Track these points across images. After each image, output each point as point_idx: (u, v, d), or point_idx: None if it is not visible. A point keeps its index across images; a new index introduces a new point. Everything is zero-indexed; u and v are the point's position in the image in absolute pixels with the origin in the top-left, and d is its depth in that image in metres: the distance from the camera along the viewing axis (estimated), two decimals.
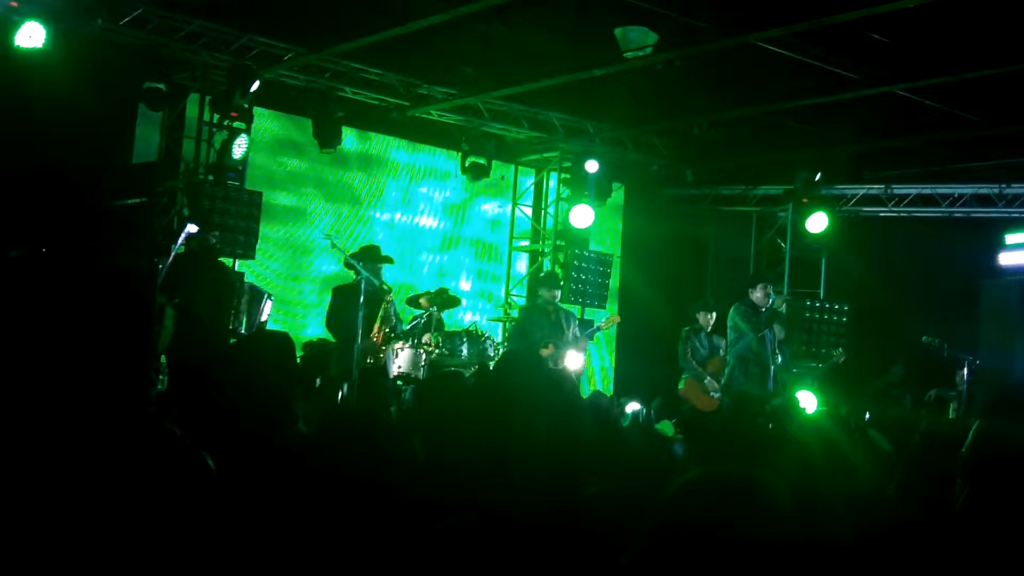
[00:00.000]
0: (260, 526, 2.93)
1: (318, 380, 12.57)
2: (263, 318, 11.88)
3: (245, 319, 11.47)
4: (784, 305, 12.94)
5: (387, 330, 11.73)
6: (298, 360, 12.34)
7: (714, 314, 13.22)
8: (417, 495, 3.10)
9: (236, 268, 13.22)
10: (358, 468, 3.16)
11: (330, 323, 11.83)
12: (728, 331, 12.63)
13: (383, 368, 11.69)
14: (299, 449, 3.34)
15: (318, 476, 3.12)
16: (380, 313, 11.65)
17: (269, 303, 11.98)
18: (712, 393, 12.98)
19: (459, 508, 2.84)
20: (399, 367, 11.99)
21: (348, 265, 11.61)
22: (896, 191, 16.72)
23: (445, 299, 13.67)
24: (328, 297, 12.29)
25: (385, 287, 11.86)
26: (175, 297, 10.78)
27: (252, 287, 11.82)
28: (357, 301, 11.08)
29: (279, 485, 3.07)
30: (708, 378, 13.05)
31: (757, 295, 12.35)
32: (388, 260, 12.12)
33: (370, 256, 11.82)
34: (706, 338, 13.22)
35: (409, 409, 11.27)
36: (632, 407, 13.08)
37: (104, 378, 7.98)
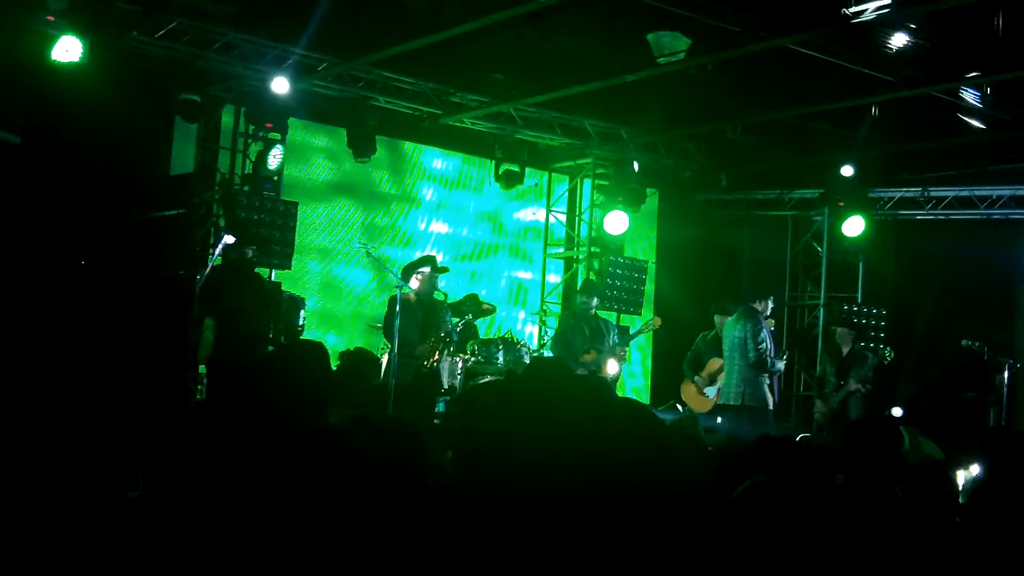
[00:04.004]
0: (287, 509, 2.97)
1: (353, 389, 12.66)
2: (300, 323, 12.03)
3: (284, 327, 11.60)
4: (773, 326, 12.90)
5: (443, 336, 11.78)
6: (334, 369, 12.46)
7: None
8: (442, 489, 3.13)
9: (272, 278, 13.28)
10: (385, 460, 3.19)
11: (384, 330, 11.88)
12: (732, 339, 12.33)
13: (435, 376, 11.73)
14: (329, 437, 3.38)
15: (347, 461, 3.16)
16: (437, 321, 11.74)
17: (303, 307, 12.12)
18: (706, 390, 13.07)
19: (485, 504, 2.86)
20: None
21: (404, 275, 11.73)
22: (933, 194, 16.60)
23: (479, 307, 13.74)
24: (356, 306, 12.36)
25: (441, 296, 11.96)
26: (214, 308, 10.93)
27: (290, 296, 11.95)
28: (406, 310, 11.33)
29: (309, 467, 3.12)
30: (697, 377, 13.19)
31: (762, 306, 12.33)
32: (444, 270, 12.16)
33: (426, 266, 11.89)
34: (714, 339, 13.24)
35: (444, 420, 11.36)
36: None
37: (145, 383, 8.05)
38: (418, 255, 14.77)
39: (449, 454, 3.58)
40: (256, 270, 11.88)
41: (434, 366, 11.71)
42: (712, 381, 13.11)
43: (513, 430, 2.94)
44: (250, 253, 11.31)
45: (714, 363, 13.13)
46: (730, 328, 12.34)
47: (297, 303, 11.97)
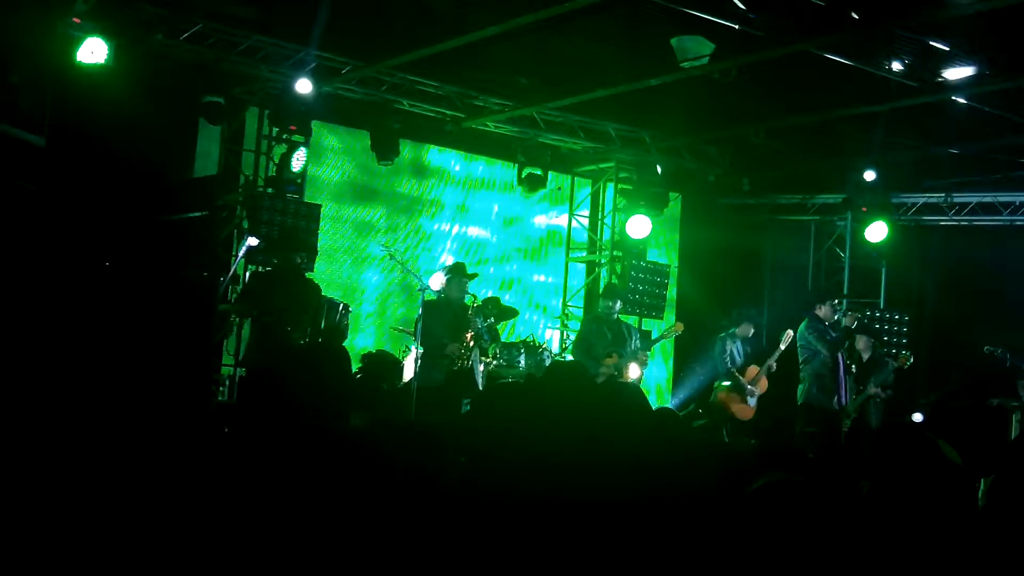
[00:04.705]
0: (304, 508, 2.99)
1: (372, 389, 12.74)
2: (344, 323, 12.17)
3: (328, 330, 11.72)
4: (855, 323, 13.02)
5: (474, 335, 11.86)
6: (356, 372, 12.53)
7: (752, 328, 13.49)
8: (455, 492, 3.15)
9: None
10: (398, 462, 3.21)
11: (415, 333, 11.98)
12: (799, 348, 12.74)
13: (467, 376, 11.77)
14: (349, 439, 3.40)
15: (366, 463, 3.19)
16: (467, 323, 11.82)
17: (346, 315, 12.25)
18: (749, 400, 13.12)
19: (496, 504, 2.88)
20: None
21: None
22: (956, 199, 16.54)
23: (501, 310, 13.74)
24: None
25: (470, 300, 12.03)
26: (253, 310, 11.04)
27: (330, 300, 12.05)
28: (438, 313, 11.66)
29: (328, 469, 3.14)
30: (749, 386, 13.17)
31: (824, 310, 12.49)
32: (473, 276, 12.26)
33: (457, 272, 11.98)
34: (742, 345, 13.36)
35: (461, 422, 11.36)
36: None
37: (169, 383, 8.10)
38: (448, 259, 14.90)
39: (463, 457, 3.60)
40: (307, 275, 11.99)
41: (466, 366, 11.78)
42: (752, 389, 13.23)
43: (526, 434, 2.95)
44: (298, 259, 11.44)
45: (752, 370, 13.23)
46: (798, 336, 12.77)
47: (336, 306, 12.09)
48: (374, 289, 15.22)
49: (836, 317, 12.70)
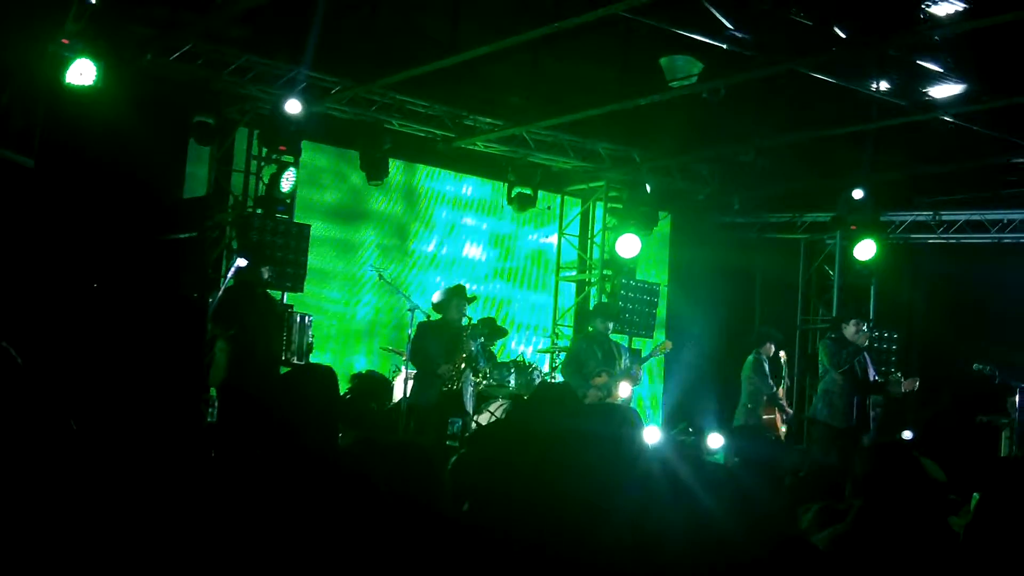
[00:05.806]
0: (294, 530, 2.99)
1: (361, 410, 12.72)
2: (309, 340, 12.11)
3: (295, 346, 11.67)
4: (867, 342, 13.02)
5: (466, 357, 11.83)
6: (345, 392, 12.52)
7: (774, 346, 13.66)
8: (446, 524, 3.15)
9: (284, 300, 13.23)
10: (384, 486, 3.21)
11: (410, 354, 11.95)
12: (819, 364, 12.85)
13: (458, 397, 11.75)
14: (338, 460, 3.41)
15: (354, 484, 3.19)
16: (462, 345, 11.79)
17: (310, 326, 12.22)
18: (783, 416, 13.32)
19: (483, 534, 2.88)
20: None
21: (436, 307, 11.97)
22: (945, 217, 16.58)
23: (492, 330, 13.74)
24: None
25: (466, 321, 12.01)
26: (228, 329, 10.92)
27: (298, 315, 12.04)
28: (434, 334, 11.62)
29: (318, 490, 3.15)
30: (782, 402, 13.38)
31: (849, 330, 12.45)
32: (472, 299, 12.25)
33: (456, 294, 11.97)
34: (770, 365, 13.48)
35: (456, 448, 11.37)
36: (715, 441, 13.06)
37: (159, 403, 8.09)
38: (434, 277, 14.89)
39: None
40: (269, 291, 11.90)
41: (456, 387, 11.76)
42: (786, 407, 13.52)
43: (514, 463, 2.95)
44: (266, 274, 11.31)
45: (779, 390, 13.51)
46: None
47: (303, 320, 12.10)
48: (364, 309, 15.20)
49: (859, 337, 12.66)
